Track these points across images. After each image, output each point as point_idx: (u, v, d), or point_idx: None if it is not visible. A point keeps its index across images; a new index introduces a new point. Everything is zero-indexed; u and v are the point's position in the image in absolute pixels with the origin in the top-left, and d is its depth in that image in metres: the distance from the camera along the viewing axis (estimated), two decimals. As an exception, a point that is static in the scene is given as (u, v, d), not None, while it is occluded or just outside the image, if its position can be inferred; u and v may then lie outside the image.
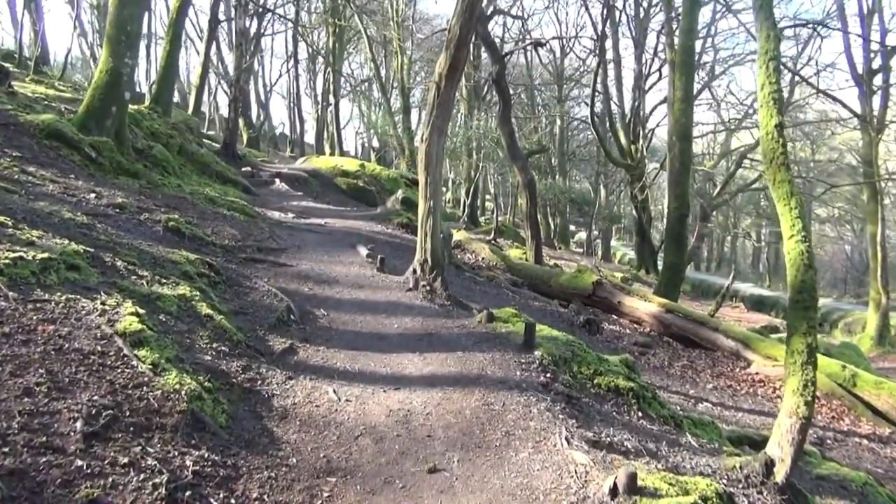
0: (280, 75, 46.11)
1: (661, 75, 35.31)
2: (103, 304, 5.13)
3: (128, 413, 3.92)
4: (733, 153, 40.06)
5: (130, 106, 16.11)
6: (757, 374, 10.12)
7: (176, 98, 41.73)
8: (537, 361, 6.05)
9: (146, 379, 4.31)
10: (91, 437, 3.50)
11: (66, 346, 4.27)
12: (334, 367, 5.81)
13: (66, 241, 6.04)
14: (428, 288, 8.70)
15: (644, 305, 11.58)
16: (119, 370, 4.30)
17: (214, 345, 5.45)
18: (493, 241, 28.94)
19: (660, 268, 34.21)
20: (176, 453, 3.72)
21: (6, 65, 13.35)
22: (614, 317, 12.29)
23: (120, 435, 3.64)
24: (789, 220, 4.87)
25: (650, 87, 35.54)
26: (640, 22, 35.55)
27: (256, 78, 44.80)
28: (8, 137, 10.23)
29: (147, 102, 18.25)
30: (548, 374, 5.85)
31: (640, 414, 5.86)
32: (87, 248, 6.06)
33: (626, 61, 49.06)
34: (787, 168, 5.01)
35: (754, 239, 53.52)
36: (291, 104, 40.88)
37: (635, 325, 11.90)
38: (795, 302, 4.76)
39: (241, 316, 6.44)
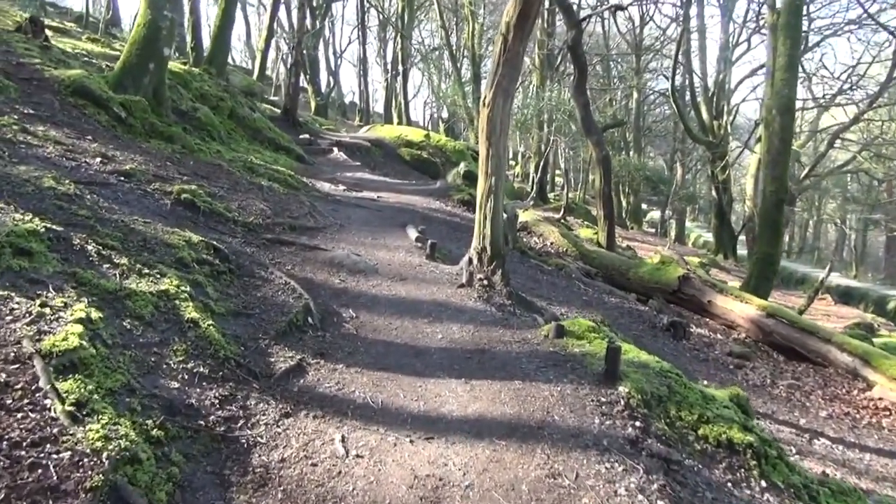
0: (350, 42, 44.82)
1: (749, 45, 32.52)
2: (44, 305, 3.75)
3: (4, 494, 2.52)
4: (823, 132, 36.75)
5: (179, 65, 14.94)
6: (881, 399, 8.19)
7: (234, 60, 41.05)
8: (622, 401, 4.39)
9: (55, 431, 2.90)
10: None
11: (-63, 380, 2.89)
12: (351, 397, 4.30)
13: (29, 217, 4.70)
14: (485, 283, 7.11)
15: (740, 307, 9.70)
16: (19, 415, 2.91)
17: (190, 364, 4.01)
18: (562, 220, 27.09)
19: (739, 253, 31.88)
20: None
21: (43, 19, 12.27)
22: (702, 318, 10.45)
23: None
24: None
25: (737, 59, 32.70)
26: (729, -12, 32.63)
27: (327, 45, 43.63)
28: (27, 94, 9.06)
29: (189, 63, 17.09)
30: (637, 423, 4.19)
31: (763, 484, 4.17)
32: (55, 227, 4.71)
33: (710, 32, 45.90)
34: None
35: (840, 224, 49.69)
36: (360, 72, 39.48)
37: (727, 329, 10.05)
38: None
39: (243, 319, 5.00)
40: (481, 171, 7.59)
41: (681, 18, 36.37)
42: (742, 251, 31.79)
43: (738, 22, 32.11)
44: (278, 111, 21.60)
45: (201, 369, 4.02)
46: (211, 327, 4.44)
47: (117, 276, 4.55)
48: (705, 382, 8.00)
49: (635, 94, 39.92)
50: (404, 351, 5.15)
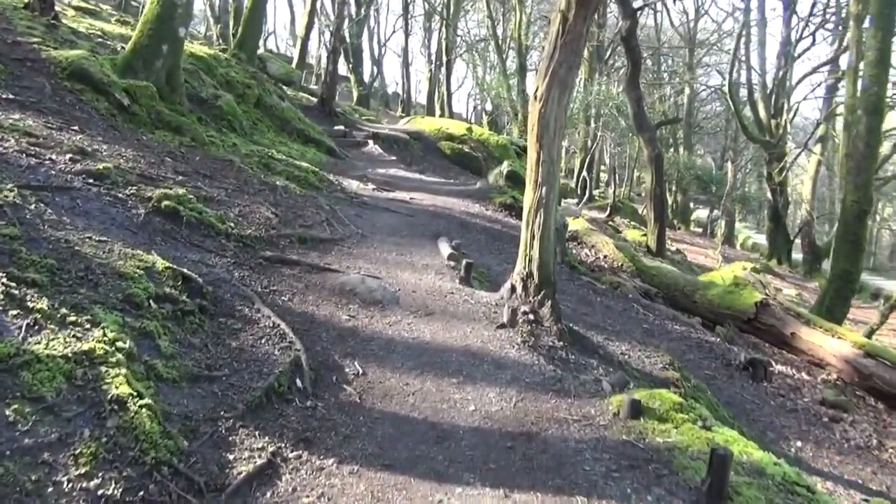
0: (394, 31, 43.41)
1: (814, 40, 30.07)
2: None
3: None
4: (888, 134, 34.09)
5: (204, 49, 13.69)
6: None
7: (278, 48, 39.96)
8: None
9: None
10: None
11: None
12: (336, 525, 2.88)
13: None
14: (530, 318, 5.62)
15: (830, 343, 8.01)
16: None
17: (95, 480, 2.62)
18: (608, 220, 25.36)
19: (793, 258, 29.69)
20: None
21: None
22: (782, 352, 8.79)
23: None
24: None
25: (799, 55, 30.35)
26: (793, -20, 30.26)
27: (371, 34, 42.27)
28: (16, 76, 7.81)
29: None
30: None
31: None
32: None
33: (770, 26, 43.38)
34: None
35: (898, 230, 46.71)
36: (404, 62, 38.05)
37: (813, 366, 8.38)
38: None
39: (203, 386, 3.59)
40: (529, 180, 6.08)
41: (737, 13, 34.17)
42: (796, 255, 29.72)
43: (801, 16, 29.70)
44: (315, 100, 20.31)
45: (111, 488, 2.62)
46: (144, 410, 3.03)
47: (22, 329, 3.18)
48: (798, 444, 6.40)
49: (687, 90, 37.75)
50: (422, 433, 3.69)
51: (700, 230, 40.34)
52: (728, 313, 8.96)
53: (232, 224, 6.04)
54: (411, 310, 5.44)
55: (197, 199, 6.16)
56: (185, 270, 4.44)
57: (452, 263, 6.84)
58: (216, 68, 12.93)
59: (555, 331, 5.68)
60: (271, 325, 4.39)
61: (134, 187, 5.66)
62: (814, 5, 29.46)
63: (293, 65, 26.13)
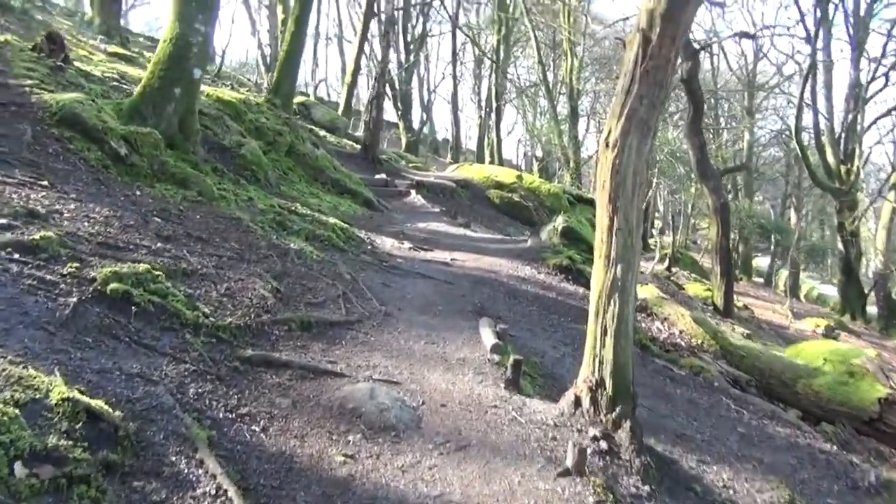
0: (444, 78, 42.48)
1: (887, 82, 27.77)
2: None
3: None
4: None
5: (233, 94, 12.57)
6: None
7: (329, 97, 39.38)
8: None
9: None
10: None
11: None
12: None
13: None
14: (602, 448, 3.96)
15: None
16: None
17: None
18: (667, 272, 23.33)
19: (868, 312, 26.98)
20: None
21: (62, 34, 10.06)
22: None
23: None
24: None
25: (870, 97, 28.08)
26: (861, 20, 28.22)
27: (421, 80, 41.52)
28: (-6, 122, 6.65)
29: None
30: None
31: None
32: None
33: (837, 67, 41.08)
34: None
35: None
36: (453, 109, 36.97)
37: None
38: None
39: None
40: (599, 253, 4.46)
41: (797, 55, 32.20)
42: (870, 308, 27.12)
43: (871, 57, 27.57)
44: (359, 147, 19.15)
45: None
46: None
47: None
48: None
49: (746, 136, 35.61)
50: None
51: (761, 280, 37.71)
52: (842, 410, 7.04)
53: (208, 310, 4.54)
54: (437, 440, 3.81)
55: (168, 276, 4.71)
56: (95, 402, 2.93)
57: (497, 358, 5.20)
58: (245, 114, 11.75)
59: (637, 466, 4.00)
60: (214, 491, 2.82)
61: (77, 264, 4.23)
62: (886, 45, 27.21)
63: (339, 110, 25.22)
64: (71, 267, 4.13)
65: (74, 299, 3.81)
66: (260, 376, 4.07)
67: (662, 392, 6.73)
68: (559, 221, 10.28)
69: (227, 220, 7.05)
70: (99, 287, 4.02)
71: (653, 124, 4.35)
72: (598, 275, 4.43)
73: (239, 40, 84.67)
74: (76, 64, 9.80)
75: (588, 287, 9.39)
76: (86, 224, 5.10)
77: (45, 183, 5.70)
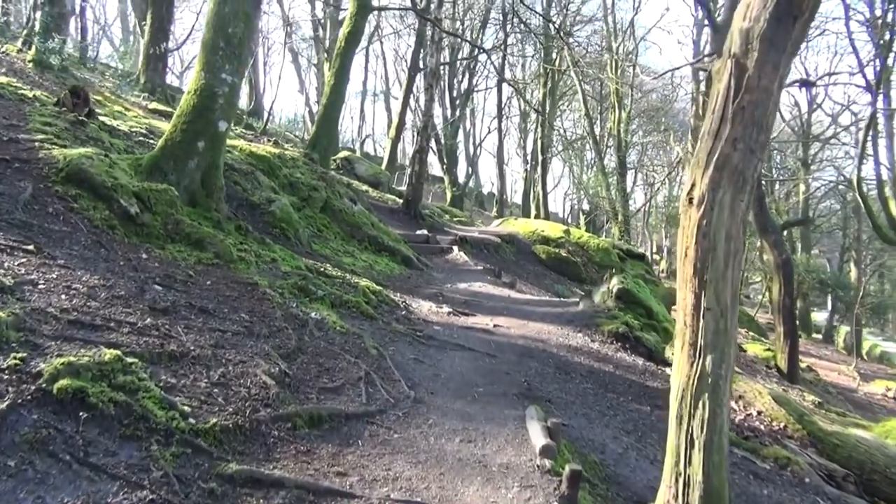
0: (489, 132, 42.05)
1: (956, 130, 26.05)
2: None
3: None
4: None
5: (267, 148, 11.97)
6: None
7: (375, 152, 39.21)
8: None
9: None
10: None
11: None
12: None
13: None
14: None
15: None
16: None
17: None
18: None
19: (946, 376, 24.73)
20: None
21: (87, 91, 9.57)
22: None
23: None
24: None
25: (937, 146, 26.32)
26: (923, 66, 26.69)
27: (467, 135, 41.18)
28: (-5, 179, 6.01)
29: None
30: None
31: None
32: None
33: None
34: None
35: None
36: (498, 162, 36.32)
37: None
38: None
39: None
40: (681, 341, 3.42)
41: (853, 105, 30.78)
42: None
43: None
44: (402, 202, 18.45)
45: None
46: None
47: None
48: None
49: (802, 187, 33.93)
50: None
51: (819, 337, 35.39)
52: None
53: (190, 407, 3.62)
54: None
55: (149, 361, 3.83)
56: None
57: (548, 464, 4.12)
58: (279, 169, 11.10)
59: None
60: None
61: (25, 353, 3.37)
62: (954, 91, 25.62)
63: (383, 165, 24.74)
64: (14, 359, 3.26)
65: (4, 405, 2.92)
66: (243, 502, 3.10)
67: (747, 493, 5.51)
68: (614, 283, 9.17)
69: (242, 285, 6.21)
70: (44, 385, 3.14)
71: (750, 175, 3.33)
72: (681, 368, 3.38)
73: (289, 98, 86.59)
74: (102, 119, 9.28)
75: (648, 357, 8.24)
76: (62, 297, 4.28)
77: (31, 247, 4.94)
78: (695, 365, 3.30)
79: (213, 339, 4.67)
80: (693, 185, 3.37)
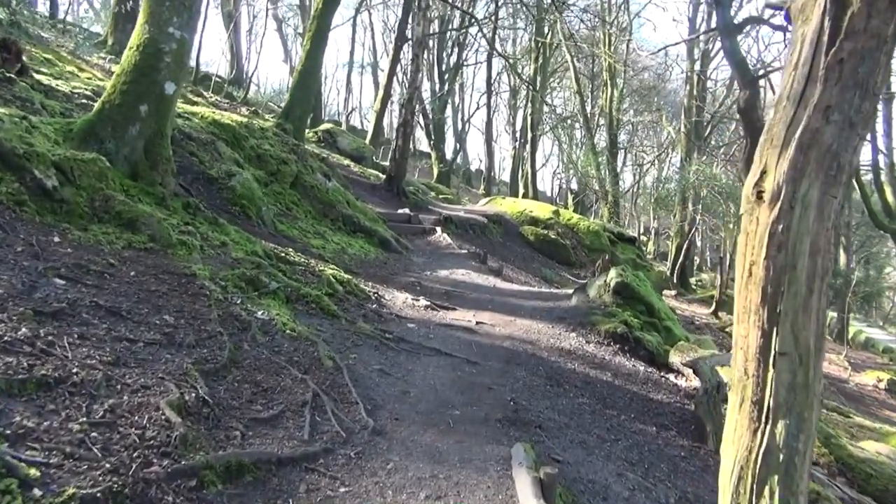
0: (478, 108, 40.66)
1: (955, 117, 25.18)
2: None
3: None
4: None
5: (233, 116, 10.76)
6: None
7: (362, 125, 37.84)
8: None
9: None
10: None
11: None
12: None
13: None
14: None
15: None
16: None
17: None
18: (714, 316, 20.95)
19: (933, 365, 24.15)
20: None
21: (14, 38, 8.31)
22: None
23: None
24: None
25: (935, 133, 25.48)
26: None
27: (455, 110, 39.84)
28: None
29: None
30: None
31: None
32: None
33: None
34: None
35: None
36: (486, 139, 35.07)
37: None
38: None
39: None
40: (739, 402, 2.35)
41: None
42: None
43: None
44: (384, 177, 17.27)
45: None
46: None
47: None
48: None
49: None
50: None
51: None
52: None
53: (43, 468, 2.53)
54: None
55: (8, 391, 2.74)
56: None
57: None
58: (245, 140, 9.91)
59: None
60: None
61: None
62: (955, 77, 24.63)
63: (367, 139, 23.51)
64: None
65: None
66: None
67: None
68: (611, 275, 8.12)
69: (175, 277, 5.10)
70: None
71: (847, 161, 2.26)
72: (739, 437, 2.33)
73: (277, 68, 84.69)
74: (38, 77, 8.05)
75: (649, 362, 7.19)
76: None
77: None
78: (759, 433, 2.25)
79: (114, 355, 3.57)
80: (763, 173, 2.29)
